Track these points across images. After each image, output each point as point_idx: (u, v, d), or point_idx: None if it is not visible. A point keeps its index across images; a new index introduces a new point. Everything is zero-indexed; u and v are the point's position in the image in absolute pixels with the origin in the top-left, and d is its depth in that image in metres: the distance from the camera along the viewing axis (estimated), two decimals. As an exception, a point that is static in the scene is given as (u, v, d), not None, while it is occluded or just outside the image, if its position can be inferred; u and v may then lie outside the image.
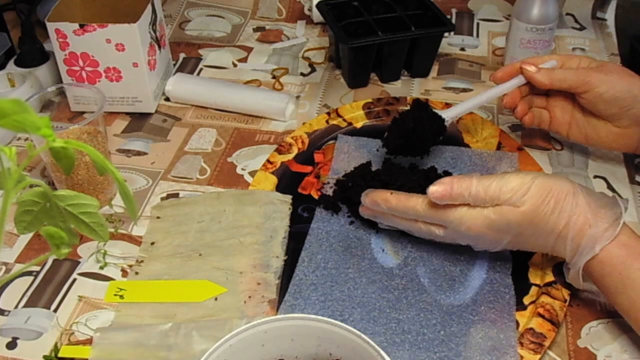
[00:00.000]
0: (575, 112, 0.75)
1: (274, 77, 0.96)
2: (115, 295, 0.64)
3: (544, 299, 0.62)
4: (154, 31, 0.87)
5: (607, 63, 0.73)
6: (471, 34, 1.06)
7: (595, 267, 0.57)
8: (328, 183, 0.76)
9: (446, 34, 1.03)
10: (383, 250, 0.68)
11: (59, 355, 0.58)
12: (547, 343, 0.58)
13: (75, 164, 0.69)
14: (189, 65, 0.99)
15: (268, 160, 0.78)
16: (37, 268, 0.67)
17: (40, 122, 0.30)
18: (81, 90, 0.82)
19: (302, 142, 0.81)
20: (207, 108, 0.90)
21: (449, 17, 0.97)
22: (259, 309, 0.62)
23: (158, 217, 0.72)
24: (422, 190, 0.60)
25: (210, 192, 0.76)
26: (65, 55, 0.82)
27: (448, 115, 0.74)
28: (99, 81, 0.84)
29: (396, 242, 0.68)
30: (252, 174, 0.78)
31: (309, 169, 0.79)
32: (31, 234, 0.71)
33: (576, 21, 1.09)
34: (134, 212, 0.36)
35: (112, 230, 0.71)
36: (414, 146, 0.73)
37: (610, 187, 0.76)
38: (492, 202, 0.57)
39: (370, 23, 0.92)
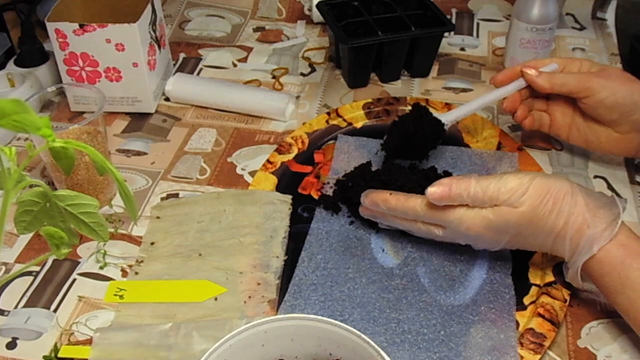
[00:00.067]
0: (576, 117, 0.75)
1: (274, 77, 0.96)
2: (115, 295, 0.64)
3: (544, 299, 0.62)
4: (154, 31, 0.87)
5: (608, 67, 0.73)
6: (471, 34, 1.06)
7: (594, 267, 0.57)
8: (328, 183, 0.76)
9: (446, 34, 1.03)
10: (383, 250, 0.68)
11: (59, 355, 0.58)
12: (547, 343, 0.58)
13: (75, 164, 0.69)
14: (189, 65, 0.99)
15: (268, 160, 0.78)
16: (37, 268, 0.67)
17: (40, 122, 0.30)
18: (81, 90, 0.82)
19: (302, 142, 0.81)
20: (207, 108, 0.90)
21: (449, 17, 0.97)
22: (259, 309, 0.62)
23: (158, 217, 0.72)
24: (422, 190, 0.60)
25: (210, 192, 0.76)
26: (65, 55, 0.82)
27: (447, 118, 0.74)
28: (98, 81, 0.84)
29: (396, 242, 0.68)
30: (252, 174, 0.78)
31: (309, 169, 0.79)
32: (31, 234, 0.71)
33: (576, 21, 1.09)
34: (134, 212, 0.36)
35: (112, 230, 0.71)
36: (413, 150, 0.73)
37: (610, 187, 0.76)
38: (490, 203, 0.58)
39: (370, 23, 0.92)
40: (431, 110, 0.75)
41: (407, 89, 0.93)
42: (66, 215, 0.36)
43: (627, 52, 1.00)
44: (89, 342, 0.59)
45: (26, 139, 0.83)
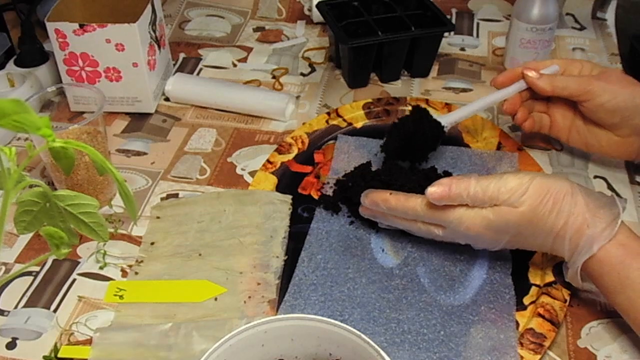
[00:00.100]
0: (576, 119, 0.75)
1: (274, 77, 0.96)
2: (115, 295, 0.64)
3: (544, 299, 0.62)
4: (154, 31, 0.87)
5: (609, 70, 0.73)
6: (471, 34, 1.06)
7: (594, 267, 0.57)
8: (328, 183, 0.76)
9: (446, 34, 1.03)
10: (383, 250, 0.68)
11: (59, 355, 0.58)
12: (547, 343, 0.58)
13: (75, 164, 0.69)
14: (189, 65, 0.99)
15: (268, 160, 0.78)
16: (37, 268, 0.67)
17: (40, 122, 0.30)
18: (81, 90, 0.82)
19: (302, 142, 0.81)
20: (207, 108, 0.90)
21: (449, 17, 0.97)
22: (258, 309, 0.62)
23: (158, 217, 0.72)
24: (422, 190, 0.60)
25: (210, 192, 0.76)
26: (65, 55, 0.82)
27: (447, 120, 0.74)
28: (98, 81, 0.84)
29: (396, 242, 0.68)
30: (252, 174, 0.78)
31: (309, 169, 0.79)
32: (31, 234, 0.71)
33: (576, 21, 1.09)
34: (134, 212, 0.36)
35: (112, 230, 0.71)
36: (412, 152, 0.73)
37: (610, 187, 0.76)
38: (490, 203, 0.58)
39: (370, 23, 0.92)
40: (431, 111, 0.75)
41: (407, 89, 0.93)
42: (66, 215, 0.36)
43: (627, 52, 1.00)
44: (89, 342, 0.59)
45: (26, 139, 0.83)
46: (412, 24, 0.91)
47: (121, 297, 0.63)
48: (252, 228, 0.69)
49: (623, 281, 0.55)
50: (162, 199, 0.75)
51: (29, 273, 0.66)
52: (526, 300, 0.63)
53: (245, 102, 0.87)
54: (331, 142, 0.82)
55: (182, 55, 1.01)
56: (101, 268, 0.67)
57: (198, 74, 0.97)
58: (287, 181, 0.76)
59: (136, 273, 0.66)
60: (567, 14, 1.11)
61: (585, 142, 0.75)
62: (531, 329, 0.59)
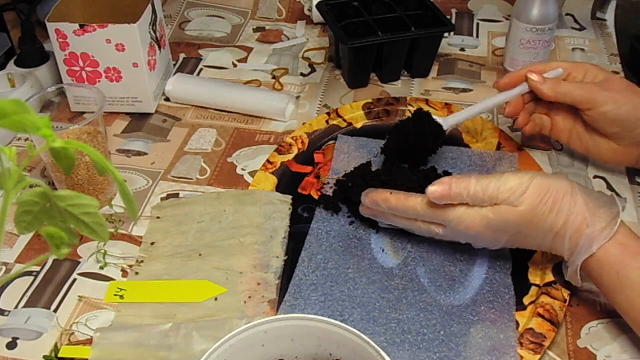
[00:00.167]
0: (577, 124, 0.74)
1: (273, 77, 0.96)
2: (115, 295, 0.64)
3: (544, 299, 0.62)
4: (154, 31, 0.87)
5: (613, 78, 0.72)
6: (471, 34, 1.06)
7: (593, 266, 0.57)
8: (328, 183, 0.76)
9: (446, 34, 1.03)
10: (383, 250, 0.68)
11: (59, 355, 0.58)
12: (546, 343, 0.58)
13: (75, 164, 0.69)
14: (189, 65, 0.99)
15: (268, 160, 0.78)
16: (37, 268, 0.67)
17: (40, 122, 0.30)
18: (81, 91, 0.82)
19: (302, 142, 0.81)
20: (207, 108, 0.90)
21: (448, 17, 0.97)
22: (258, 309, 0.62)
23: (158, 217, 0.72)
24: (422, 190, 0.60)
25: (210, 192, 0.76)
26: (65, 55, 0.82)
27: (448, 123, 0.74)
28: (99, 81, 0.84)
29: (396, 242, 0.68)
30: (252, 174, 0.78)
31: (309, 169, 0.79)
32: (31, 234, 0.71)
33: (576, 21, 1.09)
34: (134, 212, 0.36)
35: (112, 230, 0.71)
36: (412, 155, 0.73)
37: (609, 187, 0.76)
38: (490, 202, 0.58)
39: (370, 23, 0.92)
40: (432, 111, 0.75)
41: (407, 89, 0.93)
42: (66, 215, 0.36)
43: (627, 52, 1.00)
44: (89, 342, 0.59)
45: (26, 139, 0.83)
46: (412, 24, 0.91)
47: (121, 297, 0.63)
48: (252, 228, 0.69)
49: (622, 280, 0.55)
50: (162, 199, 0.76)
51: (29, 273, 0.66)
52: (526, 300, 0.63)
53: (245, 102, 0.87)
54: (331, 142, 0.82)
55: (182, 56, 1.01)
56: (101, 268, 0.67)
57: (198, 74, 0.98)
58: (287, 181, 0.77)
59: (136, 273, 0.66)
60: (567, 14, 1.11)
61: (585, 146, 0.75)
62: (531, 328, 0.59)
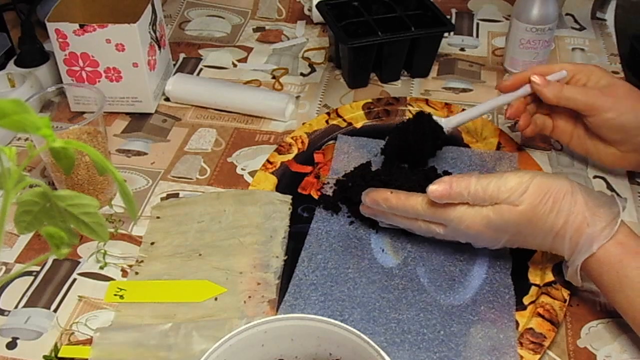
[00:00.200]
0: (578, 128, 0.74)
1: (273, 77, 0.96)
2: (115, 295, 0.64)
3: (544, 299, 0.62)
4: (154, 31, 0.87)
5: (616, 83, 0.71)
6: (471, 34, 1.06)
7: (593, 266, 0.57)
8: (328, 183, 0.76)
9: (446, 34, 1.03)
10: (383, 250, 0.68)
11: (59, 355, 0.58)
12: (546, 343, 0.58)
13: (75, 164, 0.69)
14: (189, 65, 0.99)
15: (268, 160, 0.78)
16: (37, 268, 0.67)
17: (40, 122, 0.30)
18: (81, 91, 0.82)
19: (302, 142, 0.81)
20: (207, 108, 0.90)
21: (448, 17, 0.97)
22: (258, 309, 0.62)
23: (158, 217, 0.72)
24: (422, 190, 0.60)
25: (210, 192, 0.76)
26: (65, 55, 0.82)
27: (449, 124, 0.74)
28: (99, 81, 0.84)
29: (396, 242, 0.68)
30: (252, 174, 0.78)
31: (309, 169, 0.79)
32: (31, 234, 0.71)
33: (576, 21, 1.09)
34: (134, 212, 0.36)
35: (112, 230, 0.71)
36: (412, 156, 0.73)
37: (610, 187, 0.76)
38: (490, 201, 0.58)
39: (370, 23, 0.92)
40: (432, 111, 0.75)
41: (407, 89, 0.93)
42: (66, 215, 0.36)
43: (627, 52, 1.00)
44: (89, 342, 0.59)
45: (26, 139, 0.83)
46: (412, 24, 0.91)
47: (121, 297, 0.63)
48: (252, 228, 0.69)
49: (622, 280, 0.55)
50: (162, 199, 0.76)
51: (29, 273, 0.66)
52: (526, 300, 0.63)
53: (245, 102, 0.87)
54: (331, 142, 0.82)
55: (182, 56, 1.01)
56: (101, 268, 0.67)
57: (198, 74, 0.98)
58: (287, 181, 0.77)
59: (136, 273, 0.66)
60: (567, 14, 1.11)
61: (585, 149, 0.75)
62: (531, 328, 0.59)
